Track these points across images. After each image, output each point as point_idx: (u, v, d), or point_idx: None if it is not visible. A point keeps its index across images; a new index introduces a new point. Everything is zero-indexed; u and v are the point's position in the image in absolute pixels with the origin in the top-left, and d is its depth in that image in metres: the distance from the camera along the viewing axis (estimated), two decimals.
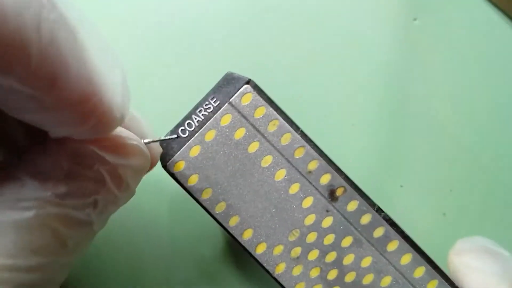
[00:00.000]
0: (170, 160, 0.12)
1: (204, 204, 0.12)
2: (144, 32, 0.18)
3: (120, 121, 0.09)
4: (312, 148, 0.12)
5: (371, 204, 0.13)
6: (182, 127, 0.12)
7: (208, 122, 0.12)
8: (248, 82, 0.12)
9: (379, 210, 0.13)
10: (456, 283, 0.13)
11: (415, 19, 0.20)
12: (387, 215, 0.13)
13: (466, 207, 0.20)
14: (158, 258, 0.16)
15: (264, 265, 0.13)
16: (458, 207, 0.20)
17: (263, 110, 0.12)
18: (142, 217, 0.17)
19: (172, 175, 0.12)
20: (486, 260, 0.13)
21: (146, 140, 0.11)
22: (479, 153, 0.20)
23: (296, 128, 0.12)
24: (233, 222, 0.12)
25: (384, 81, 0.20)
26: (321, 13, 0.20)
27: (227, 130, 0.12)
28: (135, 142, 0.11)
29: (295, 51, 0.19)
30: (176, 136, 0.12)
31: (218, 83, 0.12)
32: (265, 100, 0.12)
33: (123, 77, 0.10)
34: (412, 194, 0.19)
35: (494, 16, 0.20)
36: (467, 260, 0.13)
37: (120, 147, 0.10)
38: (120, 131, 0.10)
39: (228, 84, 0.12)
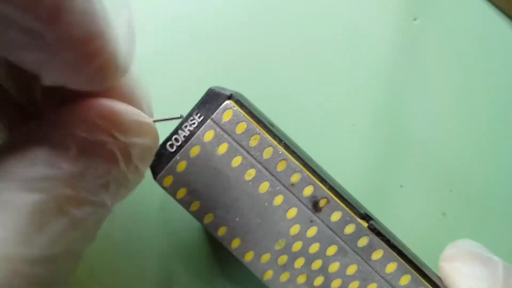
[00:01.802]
0: (159, 175, 0.13)
1: (193, 215, 0.13)
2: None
3: (123, 72, 0.09)
4: (295, 160, 0.12)
5: (356, 213, 0.13)
6: (170, 142, 0.13)
7: (192, 138, 0.12)
8: (230, 97, 0.12)
9: (366, 218, 0.13)
10: None
11: (415, 19, 0.20)
12: (373, 225, 0.13)
13: (466, 207, 0.19)
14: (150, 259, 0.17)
15: (253, 271, 0.13)
16: (458, 207, 0.19)
17: (244, 125, 0.12)
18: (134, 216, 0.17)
19: (163, 187, 0.13)
20: (476, 265, 0.13)
21: (154, 119, 0.11)
22: (479, 153, 0.20)
23: (279, 140, 0.12)
24: (221, 232, 0.13)
25: (384, 81, 0.20)
26: (321, 13, 0.20)
27: (211, 146, 0.12)
28: (147, 120, 0.10)
29: (295, 51, 0.19)
30: (180, 116, 0.12)
31: (202, 98, 0.13)
32: (247, 115, 0.12)
33: (130, 19, 0.09)
34: (412, 194, 0.19)
35: (494, 16, 0.20)
36: (456, 265, 0.13)
37: (131, 124, 0.09)
38: (131, 109, 0.10)
39: (211, 100, 0.12)
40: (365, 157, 0.19)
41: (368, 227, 0.13)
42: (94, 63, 0.08)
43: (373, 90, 0.20)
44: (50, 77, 0.08)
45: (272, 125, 0.13)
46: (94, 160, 0.09)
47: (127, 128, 0.09)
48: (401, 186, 0.20)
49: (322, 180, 0.13)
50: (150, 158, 0.10)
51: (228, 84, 0.18)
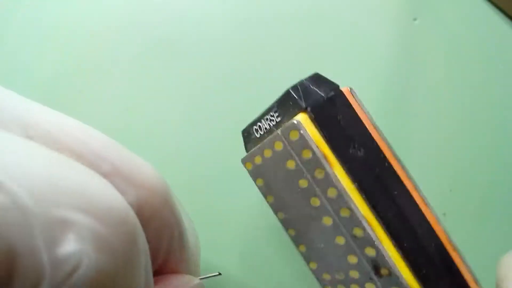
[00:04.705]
0: (243, 157, 0.12)
1: (269, 205, 0.12)
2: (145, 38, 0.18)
3: None
4: (364, 212, 0.10)
5: None
6: (255, 127, 0.12)
7: (266, 140, 0.11)
8: (305, 110, 0.10)
9: None
10: None
11: (415, 19, 0.20)
12: None
13: (466, 207, 0.20)
14: None
15: (316, 279, 0.12)
16: (458, 207, 0.20)
17: (309, 153, 0.10)
18: None
19: (246, 168, 0.12)
20: None
21: (200, 277, 0.12)
22: (479, 153, 0.20)
23: (352, 179, 0.10)
24: (291, 232, 0.12)
25: (384, 81, 0.19)
26: (321, 13, 0.19)
27: (280, 156, 0.11)
28: (197, 282, 0.11)
29: (294, 51, 0.19)
30: (217, 273, 0.13)
31: (283, 96, 0.11)
32: (318, 139, 0.10)
33: None
34: None
35: (494, 16, 0.20)
36: None
37: None
38: (182, 276, 0.11)
39: (290, 102, 0.10)
40: None
41: None
42: None
43: (373, 89, 0.19)
44: None
45: (359, 149, 0.11)
46: None
47: None
48: None
49: (393, 247, 0.10)
50: None
51: None
